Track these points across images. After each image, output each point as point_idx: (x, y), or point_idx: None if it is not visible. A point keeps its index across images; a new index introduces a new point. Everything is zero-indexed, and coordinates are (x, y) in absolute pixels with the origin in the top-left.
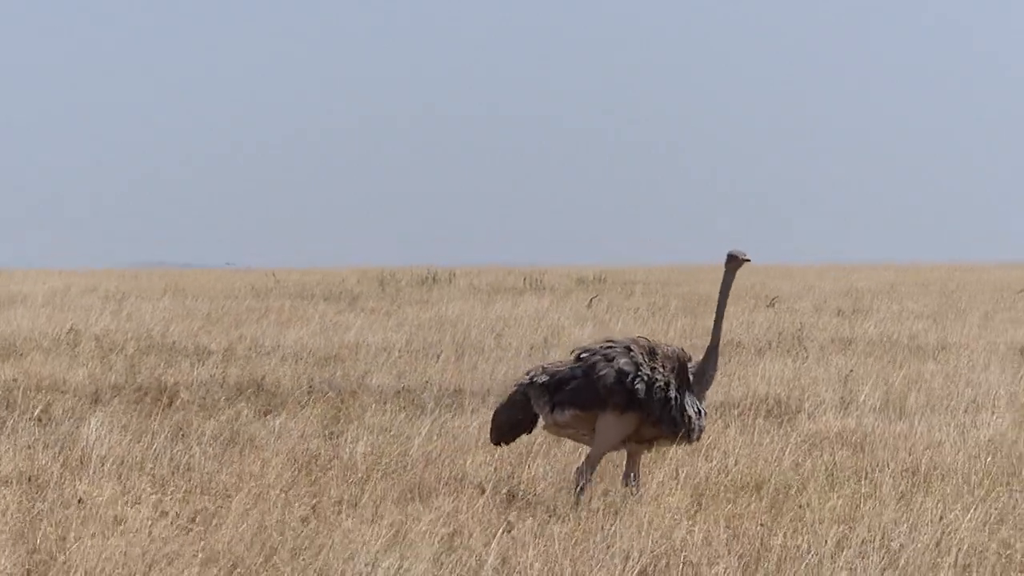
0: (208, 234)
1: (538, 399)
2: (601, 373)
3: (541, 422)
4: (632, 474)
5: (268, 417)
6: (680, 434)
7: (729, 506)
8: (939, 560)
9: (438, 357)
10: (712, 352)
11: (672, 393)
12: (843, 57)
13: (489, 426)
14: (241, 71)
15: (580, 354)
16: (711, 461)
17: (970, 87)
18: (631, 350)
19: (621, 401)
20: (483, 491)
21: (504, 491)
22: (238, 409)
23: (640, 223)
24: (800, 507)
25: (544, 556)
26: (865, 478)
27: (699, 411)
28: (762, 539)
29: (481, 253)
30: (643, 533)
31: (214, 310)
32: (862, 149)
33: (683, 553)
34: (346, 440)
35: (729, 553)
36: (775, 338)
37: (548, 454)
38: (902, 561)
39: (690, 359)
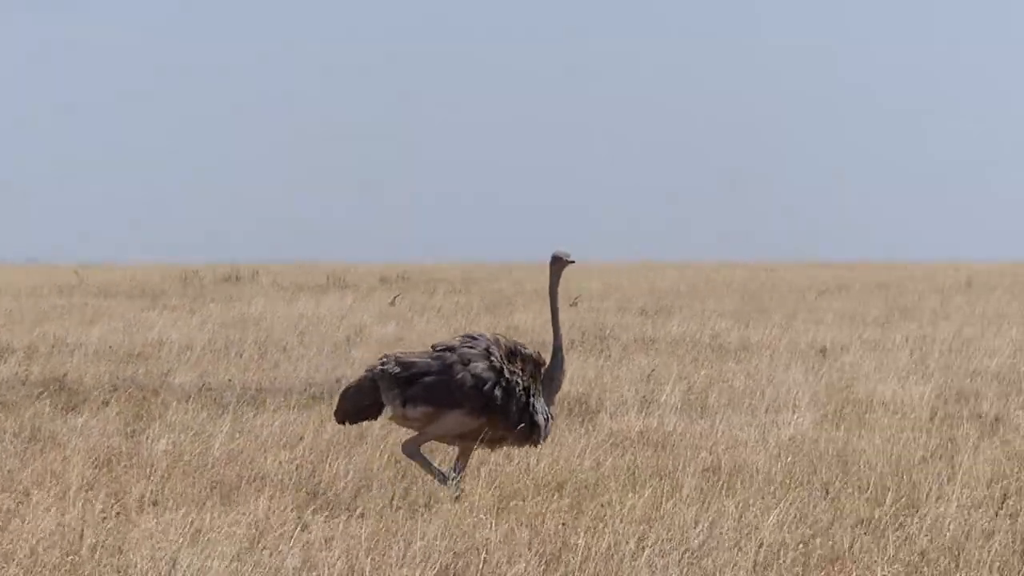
0: (9, 229)
1: (388, 390)
2: (458, 376)
3: (387, 411)
4: (460, 467)
5: (70, 415)
6: (530, 438)
7: (531, 505)
8: (739, 559)
9: (240, 355)
10: (557, 354)
11: (528, 399)
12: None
13: (337, 404)
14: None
15: (439, 349)
16: (513, 460)
17: (763, 97)
18: (491, 353)
19: (477, 405)
20: (284, 489)
21: (305, 490)
22: (40, 406)
23: (442, 221)
24: (601, 506)
25: (346, 555)
26: (666, 477)
27: (547, 416)
28: (564, 538)
29: (286, 250)
30: (445, 532)
31: (16, 307)
32: (668, 147)
33: (484, 552)
34: (148, 438)
35: (531, 552)
36: (578, 337)
37: (349, 453)
38: (702, 560)
39: (545, 363)
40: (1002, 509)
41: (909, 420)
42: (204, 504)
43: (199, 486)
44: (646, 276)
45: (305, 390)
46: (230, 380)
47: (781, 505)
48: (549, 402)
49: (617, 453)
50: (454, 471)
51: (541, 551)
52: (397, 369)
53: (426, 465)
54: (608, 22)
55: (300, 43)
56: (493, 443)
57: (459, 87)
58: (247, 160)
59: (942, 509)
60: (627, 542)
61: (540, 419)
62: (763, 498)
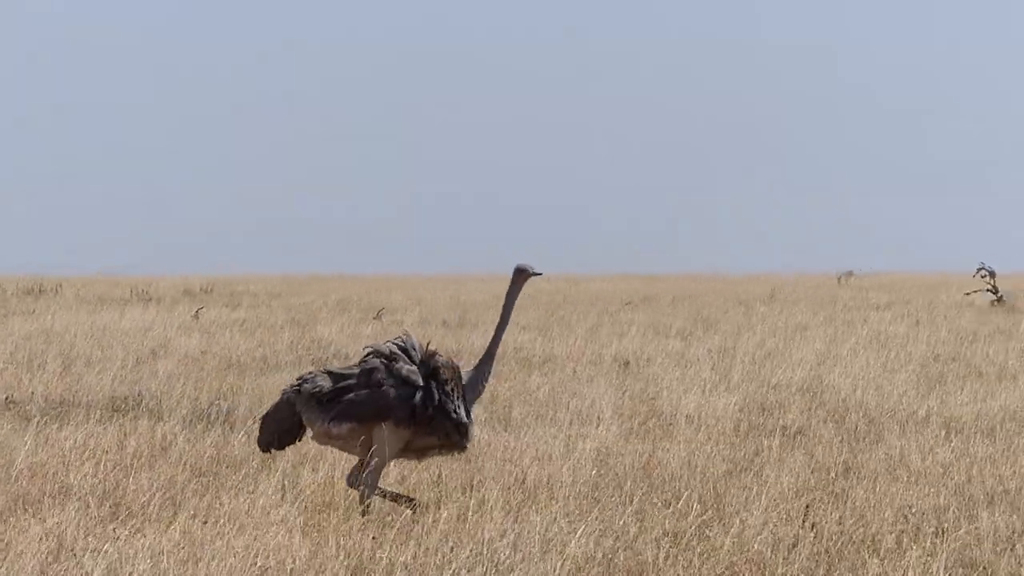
0: None
1: (309, 410)
2: (383, 387)
3: (309, 432)
4: (363, 476)
5: None
6: (459, 445)
7: (338, 519)
8: (545, 572)
9: (44, 368)
10: (487, 362)
11: (452, 406)
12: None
13: (259, 432)
14: None
15: (362, 360)
16: (318, 472)
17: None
18: (413, 360)
19: (404, 415)
20: (88, 503)
21: (109, 503)
22: None
23: (251, 233)
24: (407, 520)
25: (151, 570)
26: (472, 491)
27: (471, 421)
28: (371, 552)
29: (90, 262)
30: (252, 547)
31: None
32: (462, 162)
33: (292, 567)
34: None
35: (337, 566)
36: None
37: (153, 467)
38: (509, 574)
39: (460, 369)
40: (806, 520)
41: (713, 432)
42: (7, 518)
43: (2, 499)
44: (449, 289)
45: (108, 403)
46: (33, 393)
47: (587, 518)
48: (470, 407)
49: (422, 467)
50: (356, 483)
51: (348, 565)
52: (317, 386)
53: (383, 494)
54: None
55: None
56: (420, 453)
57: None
58: (49, 173)
59: (747, 521)
60: (434, 556)
61: (467, 425)
62: (569, 511)
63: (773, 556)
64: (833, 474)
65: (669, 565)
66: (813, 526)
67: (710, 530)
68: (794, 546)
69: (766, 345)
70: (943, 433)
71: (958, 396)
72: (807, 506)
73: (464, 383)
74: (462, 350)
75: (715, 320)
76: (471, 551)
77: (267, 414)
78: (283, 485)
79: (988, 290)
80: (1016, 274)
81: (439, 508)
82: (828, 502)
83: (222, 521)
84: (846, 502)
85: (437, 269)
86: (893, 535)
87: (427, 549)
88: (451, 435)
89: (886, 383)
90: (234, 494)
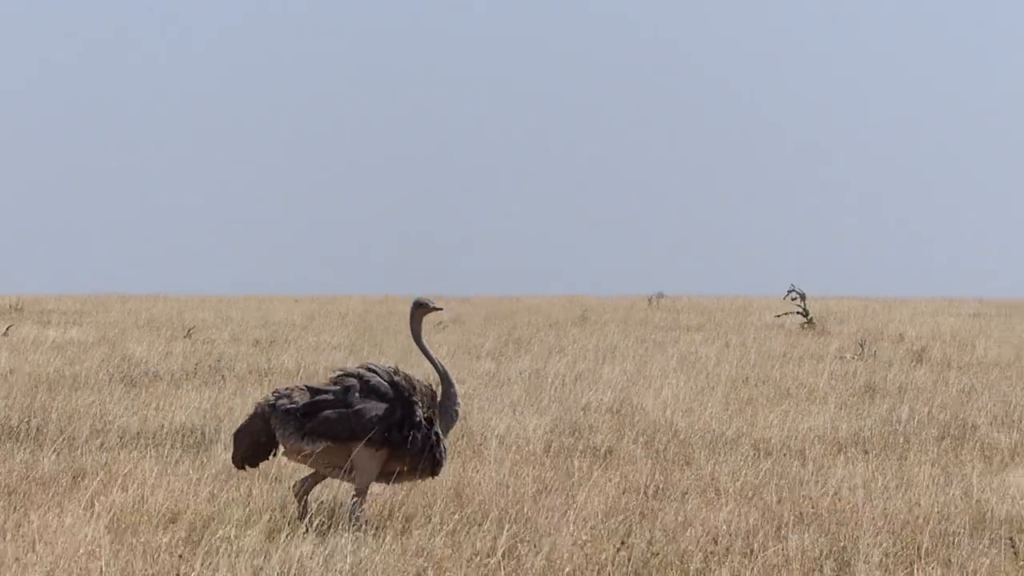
0: None
1: (283, 426)
2: (359, 407)
3: (283, 448)
4: (309, 490)
5: None
6: (431, 470)
7: (147, 537)
8: None
9: None
10: (451, 388)
11: (430, 430)
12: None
13: (233, 449)
14: None
15: (336, 379)
16: (127, 491)
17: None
18: (394, 383)
19: (380, 437)
20: None
21: None
22: None
23: (58, 252)
24: (218, 539)
25: None
26: (282, 510)
27: (445, 447)
28: (179, 571)
29: None
30: (59, 565)
31: None
32: (270, 181)
33: None
34: None
35: None
36: (192, 369)
37: None
38: None
39: (438, 394)
40: (620, 544)
41: (524, 453)
42: None
43: None
44: (260, 307)
45: None
46: None
47: (398, 538)
48: (444, 434)
49: (232, 485)
50: (302, 493)
51: None
52: (291, 404)
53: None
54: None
55: None
56: (390, 476)
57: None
58: None
59: (558, 541)
60: (242, 574)
61: (441, 449)
62: (380, 531)
63: (583, 575)
64: (643, 495)
65: None
66: (623, 546)
67: (521, 551)
68: (604, 565)
69: (577, 367)
70: (753, 454)
71: (767, 417)
72: (619, 527)
73: (438, 409)
74: (272, 368)
75: (526, 341)
76: (280, 570)
77: (240, 430)
78: (92, 502)
79: (798, 312)
80: (826, 297)
81: (249, 526)
82: (638, 523)
83: (31, 538)
84: (656, 522)
85: (245, 289)
86: (702, 555)
87: (235, 566)
88: (424, 459)
89: (696, 404)
90: (43, 512)
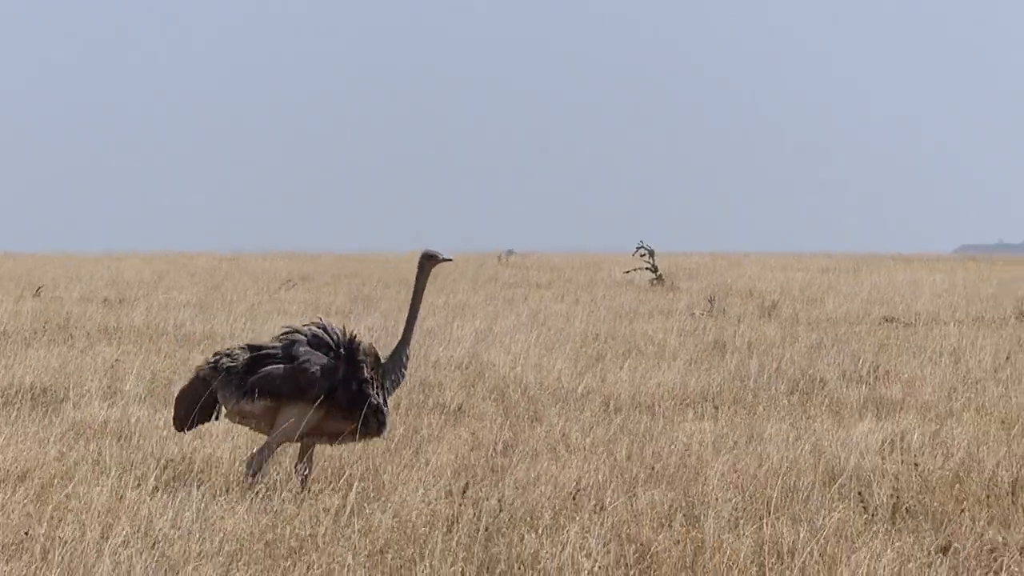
0: None
1: (225, 386)
2: (302, 362)
3: (224, 408)
4: (306, 463)
5: None
6: (376, 431)
7: None
8: (205, 549)
9: None
10: (403, 349)
11: (372, 390)
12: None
13: (174, 412)
14: None
15: (281, 336)
16: None
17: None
18: (336, 341)
19: (321, 393)
20: None
21: None
22: None
23: None
24: (66, 496)
25: None
26: (132, 468)
27: (387, 408)
28: (27, 529)
29: None
30: None
31: None
32: (120, 141)
33: None
34: None
35: None
36: (41, 327)
37: None
38: (168, 550)
39: (379, 356)
40: (465, 497)
41: None
42: None
43: None
44: (110, 265)
45: None
46: None
47: (247, 495)
48: (387, 396)
49: (82, 443)
50: (300, 471)
51: (4, 542)
52: (233, 361)
53: (256, 479)
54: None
55: None
56: (333, 436)
57: None
58: None
59: (407, 498)
60: (91, 532)
61: (384, 411)
62: (228, 489)
63: (432, 532)
64: (493, 451)
65: (328, 542)
66: (473, 503)
67: (369, 507)
68: (454, 522)
69: (427, 323)
70: (603, 410)
71: (617, 374)
72: (467, 483)
73: (381, 370)
74: (122, 327)
75: (375, 298)
76: (129, 528)
77: (181, 393)
78: None
79: (647, 268)
80: (675, 253)
81: (98, 484)
82: (488, 479)
83: None
84: (506, 479)
85: (94, 247)
86: (552, 511)
87: (84, 524)
88: (368, 420)
89: (546, 361)
90: None
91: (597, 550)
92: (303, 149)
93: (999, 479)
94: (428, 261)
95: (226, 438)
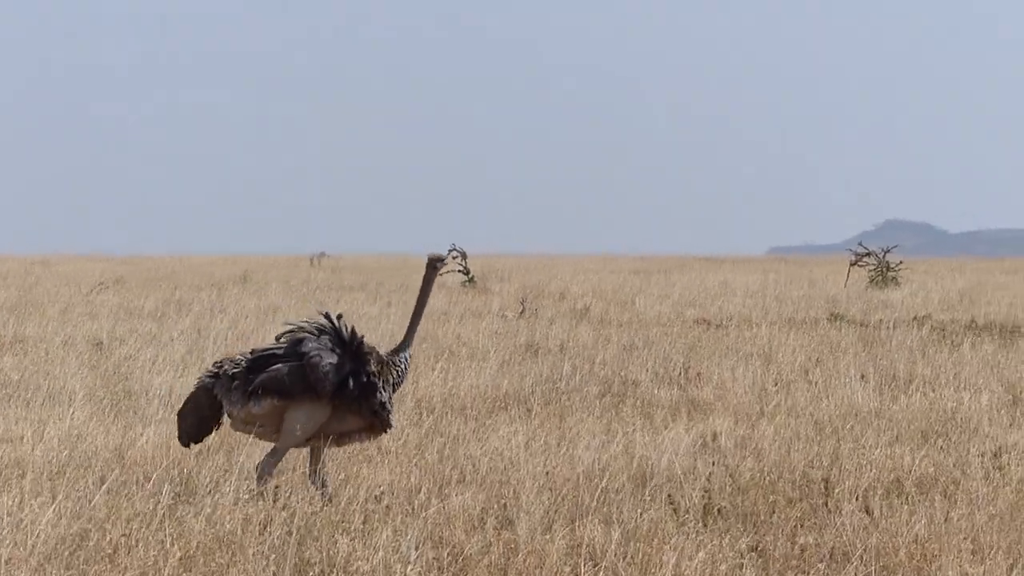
0: None
1: (229, 392)
2: (312, 357)
3: (229, 416)
4: (320, 471)
5: None
6: (381, 429)
7: None
8: (14, 554)
9: None
10: (403, 351)
11: (380, 387)
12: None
13: (178, 427)
14: None
15: (284, 335)
16: None
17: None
18: (343, 339)
19: (330, 389)
20: None
21: None
22: None
23: None
24: None
25: None
26: None
27: (392, 407)
28: None
29: None
30: None
31: None
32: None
33: None
34: None
35: None
36: None
37: None
38: None
39: (382, 356)
40: (277, 500)
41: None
42: None
43: None
44: None
45: None
46: None
47: (58, 500)
48: (391, 393)
49: None
50: (316, 480)
51: None
52: (237, 366)
53: (266, 483)
54: None
55: None
56: (341, 437)
57: None
58: None
59: (219, 501)
60: None
61: (389, 407)
62: (40, 493)
63: (246, 536)
64: (306, 454)
65: (141, 545)
66: (284, 506)
67: (181, 511)
68: (266, 525)
69: (239, 326)
70: (415, 412)
71: (429, 376)
72: (277, 486)
73: (385, 367)
74: None
75: (188, 302)
76: None
77: (183, 408)
78: None
79: (460, 271)
80: (487, 255)
81: None
82: (300, 483)
83: None
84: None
85: None
86: (363, 514)
87: None
88: (376, 417)
89: None
90: None
91: (410, 553)
92: (111, 150)
93: (810, 480)
94: (437, 263)
95: (37, 441)
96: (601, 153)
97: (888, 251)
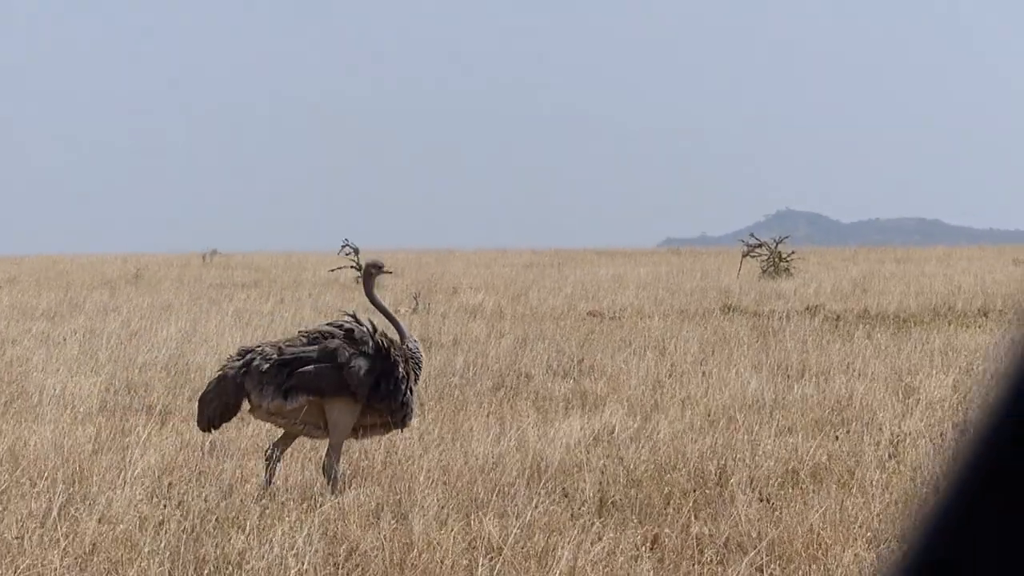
0: None
1: (260, 385)
2: (345, 360)
3: (257, 406)
4: (327, 457)
5: None
6: (403, 424)
7: None
8: None
9: None
10: (413, 344)
11: (408, 385)
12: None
13: (199, 413)
14: None
15: (313, 336)
16: None
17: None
18: (375, 337)
19: (366, 391)
20: None
21: None
22: None
23: None
24: None
25: None
26: None
27: (415, 402)
28: None
29: None
30: None
31: None
32: None
33: None
34: None
35: None
36: None
37: None
38: None
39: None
40: (171, 499)
41: (80, 413)
42: None
43: None
44: None
45: None
46: None
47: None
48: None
49: None
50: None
51: None
52: (267, 360)
53: (337, 484)
54: None
55: None
56: (364, 430)
57: None
58: None
59: (114, 500)
60: None
61: (412, 403)
62: None
63: (141, 534)
64: (200, 452)
65: (34, 546)
66: (179, 504)
67: (75, 510)
68: (161, 523)
69: (132, 325)
70: None
71: None
72: (169, 484)
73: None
74: None
75: (81, 301)
76: None
77: (206, 394)
78: None
79: (352, 267)
80: (381, 251)
81: None
82: (195, 480)
83: None
84: (213, 480)
85: None
86: (259, 511)
87: None
88: (396, 414)
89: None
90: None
91: (305, 549)
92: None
93: (705, 470)
94: (374, 269)
95: None
96: (492, 146)
97: (780, 241)
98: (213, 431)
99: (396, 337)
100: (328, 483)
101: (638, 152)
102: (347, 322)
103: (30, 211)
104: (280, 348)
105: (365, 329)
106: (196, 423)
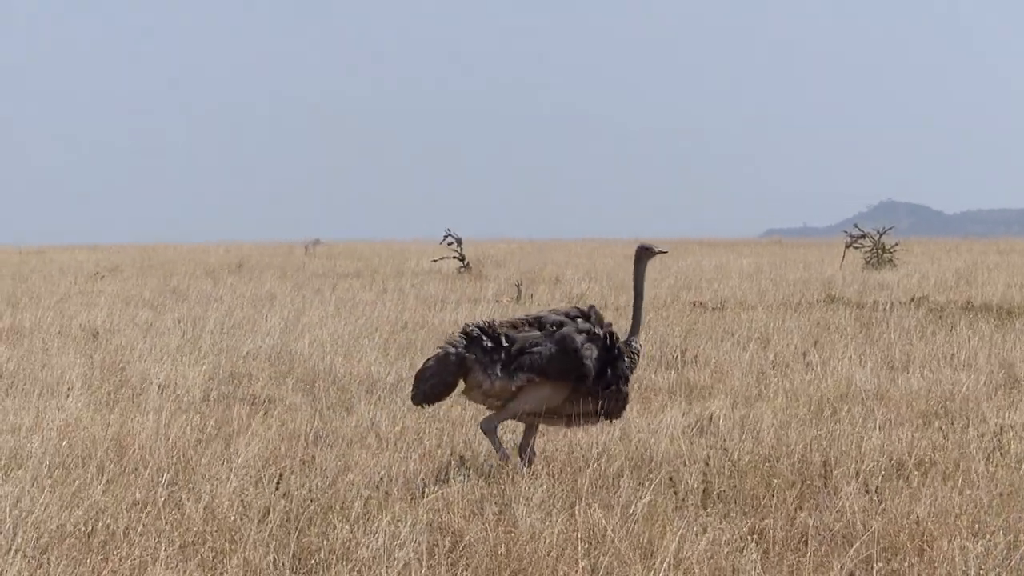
0: None
1: (488, 365)
2: (576, 347)
3: (477, 385)
4: (530, 447)
5: None
6: (614, 415)
7: None
8: (18, 545)
9: None
10: (634, 339)
11: (628, 374)
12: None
13: (414, 387)
14: None
15: (541, 321)
16: None
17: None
18: (603, 325)
19: (592, 379)
20: None
21: None
22: None
23: None
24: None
25: None
26: None
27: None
28: None
29: None
30: None
31: None
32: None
33: None
34: None
35: None
36: None
37: None
38: None
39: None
40: (278, 488)
41: (183, 402)
42: None
43: None
44: None
45: None
46: None
47: (59, 490)
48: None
49: None
50: (525, 455)
51: None
52: (494, 343)
53: (497, 443)
54: None
55: None
56: (571, 419)
57: None
58: None
59: (218, 489)
60: None
61: (627, 396)
62: (40, 483)
63: (244, 523)
64: (303, 442)
65: (140, 534)
66: (284, 494)
67: (181, 499)
68: (266, 513)
69: (235, 314)
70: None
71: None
72: (280, 474)
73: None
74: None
75: (183, 290)
76: None
77: (425, 370)
78: None
79: (454, 257)
80: (482, 240)
81: None
82: (299, 470)
83: None
84: (316, 470)
85: None
86: (362, 501)
87: None
88: (614, 403)
89: (355, 351)
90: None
91: (410, 539)
92: (104, 141)
93: (809, 462)
94: (644, 253)
95: (35, 431)
96: (594, 139)
97: (884, 232)
98: (426, 406)
99: (627, 327)
100: (523, 463)
101: (743, 142)
102: (574, 311)
103: (133, 202)
104: (507, 331)
105: (594, 319)
106: (410, 398)
